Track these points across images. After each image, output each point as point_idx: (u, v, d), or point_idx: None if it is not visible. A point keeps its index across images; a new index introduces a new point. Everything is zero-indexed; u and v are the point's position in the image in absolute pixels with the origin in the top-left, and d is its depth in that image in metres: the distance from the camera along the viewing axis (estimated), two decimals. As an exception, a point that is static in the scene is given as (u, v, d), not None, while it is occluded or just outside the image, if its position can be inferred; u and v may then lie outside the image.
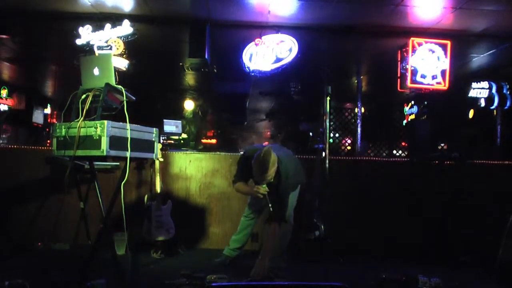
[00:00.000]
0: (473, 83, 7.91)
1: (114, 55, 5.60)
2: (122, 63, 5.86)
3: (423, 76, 6.23)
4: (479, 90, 7.92)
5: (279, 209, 3.17)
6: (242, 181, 3.40)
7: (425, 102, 9.24)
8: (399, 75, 6.48)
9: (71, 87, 3.06)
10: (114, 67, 3.03)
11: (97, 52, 5.64)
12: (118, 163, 3.40)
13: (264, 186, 3.11)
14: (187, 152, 4.58)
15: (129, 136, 2.77)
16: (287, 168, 3.22)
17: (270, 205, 3.10)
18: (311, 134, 7.55)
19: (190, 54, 5.76)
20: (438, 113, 8.87)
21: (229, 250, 3.69)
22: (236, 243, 3.68)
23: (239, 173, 3.42)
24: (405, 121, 10.30)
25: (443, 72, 6.22)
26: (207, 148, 10.93)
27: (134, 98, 3.01)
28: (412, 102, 10.00)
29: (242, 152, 3.61)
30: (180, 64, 7.10)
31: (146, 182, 4.20)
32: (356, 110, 8.73)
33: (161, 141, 6.15)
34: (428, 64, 6.18)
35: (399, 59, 6.46)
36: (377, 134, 9.93)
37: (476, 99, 7.98)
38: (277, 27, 5.91)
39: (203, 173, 4.39)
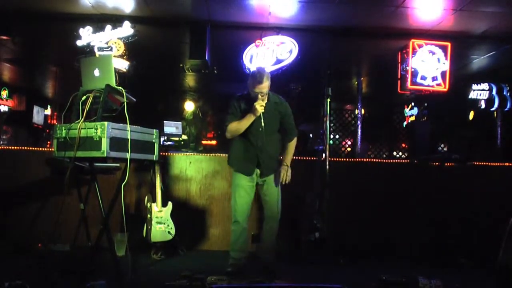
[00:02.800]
0: (473, 85, 7.90)
1: (115, 56, 5.60)
2: (123, 65, 5.86)
3: (423, 78, 6.23)
4: (479, 92, 7.91)
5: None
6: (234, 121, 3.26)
7: (425, 104, 9.24)
8: (399, 76, 6.48)
9: (71, 89, 3.06)
10: (115, 68, 3.03)
11: (97, 53, 5.64)
12: (118, 164, 3.40)
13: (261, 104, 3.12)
14: (187, 153, 4.58)
15: (129, 138, 2.78)
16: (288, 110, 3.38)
17: (263, 124, 3.14)
18: (310, 135, 7.57)
19: (191, 55, 5.76)
20: (438, 115, 8.87)
21: (235, 260, 3.28)
22: (241, 252, 3.28)
23: (231, 116, 3.26)
24: (405, 123, 10.29)
25: (443, 74, 6.22)
26: (207, 150, 10.91)
27: (134, 99, 3.01)
28: (412, 104, 10.01)
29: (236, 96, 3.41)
30: (181, 65, 7.11)
31: (146, 183, 4.21)
32: (356, 111, 8.73)
33: (162, 142, 6.14)
34: (428, 66, 6.18)
35: (399, 60, 6.45)
36: (377, 135, 9.92)
37: (476, 101, 7.98)
38: (278, 29, 5.91)
39: (203, 175, 4.39)
